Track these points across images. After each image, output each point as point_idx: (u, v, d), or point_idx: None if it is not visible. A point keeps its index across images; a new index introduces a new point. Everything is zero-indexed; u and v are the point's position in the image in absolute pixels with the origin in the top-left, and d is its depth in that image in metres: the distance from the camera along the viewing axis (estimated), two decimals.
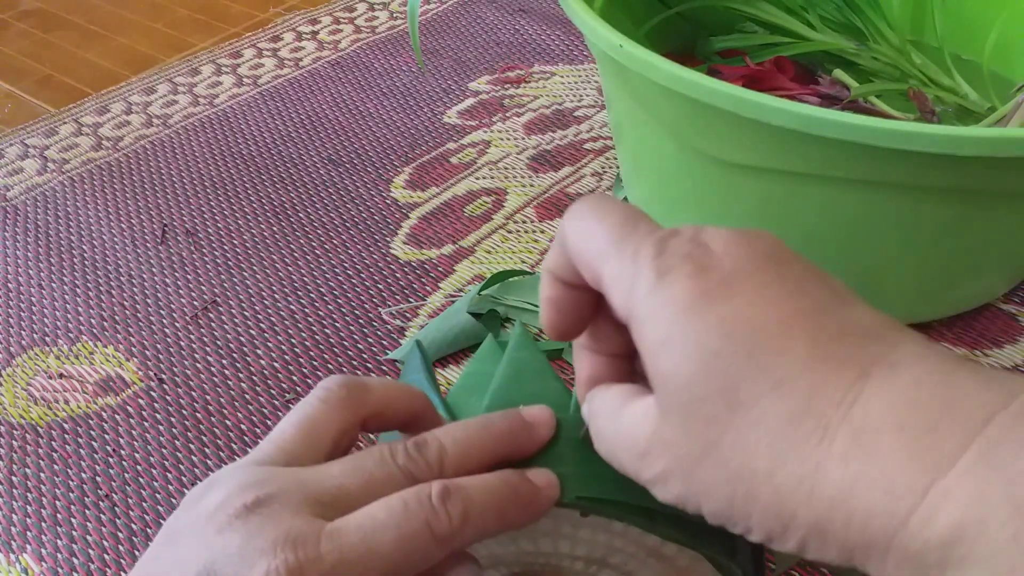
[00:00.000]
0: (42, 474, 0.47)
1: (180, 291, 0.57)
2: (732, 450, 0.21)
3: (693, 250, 0.22)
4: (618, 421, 0.24)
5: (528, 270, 0.56)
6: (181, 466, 0.47)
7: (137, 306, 0.57)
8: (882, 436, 0.19)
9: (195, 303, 0.56)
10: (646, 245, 0.23)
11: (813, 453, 0.20)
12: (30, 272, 0.61)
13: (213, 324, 0.55)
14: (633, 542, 0.29)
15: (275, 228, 0.62)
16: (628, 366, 0.26)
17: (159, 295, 0.57)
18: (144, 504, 0.45)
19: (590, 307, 0.26)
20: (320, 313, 0.55)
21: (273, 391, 0.50)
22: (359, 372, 0.51)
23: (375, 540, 0.23)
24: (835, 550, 0.20)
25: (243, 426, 0.48)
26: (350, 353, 0.52)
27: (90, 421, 0.50)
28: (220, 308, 0.56)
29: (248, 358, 0.52)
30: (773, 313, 0.21)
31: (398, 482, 0.25)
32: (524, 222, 0.61)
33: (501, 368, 0.34)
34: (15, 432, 0.50)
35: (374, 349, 0.52)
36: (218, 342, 0.53)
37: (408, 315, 0.54)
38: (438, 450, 0.26)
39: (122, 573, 0.42)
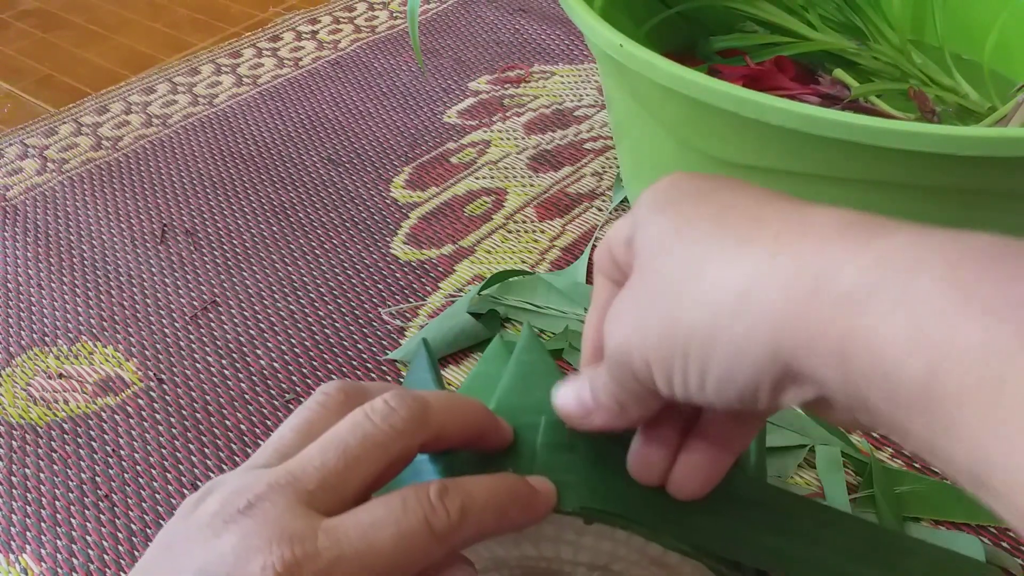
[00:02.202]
0: (42, 474, 0.47)
1: (180, 291, 0.57)
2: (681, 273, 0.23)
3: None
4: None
5: (528, 270, 0.56)
6: (181, 466, 0.47)
7: (137, 306, 0.57)
8: (820, 229, 0.21)
9: (195, 303, 0.56)
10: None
11: (747, 258, 0.22)
12: (29, 272, 0.61)
13: (213, 324, 0.55)
14: (636, 550, 0.29)
15: (275, 228, 0.62)
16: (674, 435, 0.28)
17: (159, 295, 0.57)
18: (144, 504, 0.45)
19: (654, 399, 0.26)
20: (320, 313, 0.55)
21: (273, 391, 0.50)
22: (359, 372, 0.51)
23: (374, 536, 0.23)
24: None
25: (243, 426, 0.48)
26: (350, 353, 0.52)
27: (90, 421, 0.50)
28: (220, 308, 0.56)
29: (248, 358, 0.52)
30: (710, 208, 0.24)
31: (378, 442, 0.25)
32: (524, 222, 0.61)
33: (508, 370, 0.33)
34: (15, 432, 0.50)
35: (374, 349, 0.52)
36: (218, 342, 0.53)
37: (408, 315, 0.54)
38: (420, 400, 0.26)
39: (121, 573, 0.42)
